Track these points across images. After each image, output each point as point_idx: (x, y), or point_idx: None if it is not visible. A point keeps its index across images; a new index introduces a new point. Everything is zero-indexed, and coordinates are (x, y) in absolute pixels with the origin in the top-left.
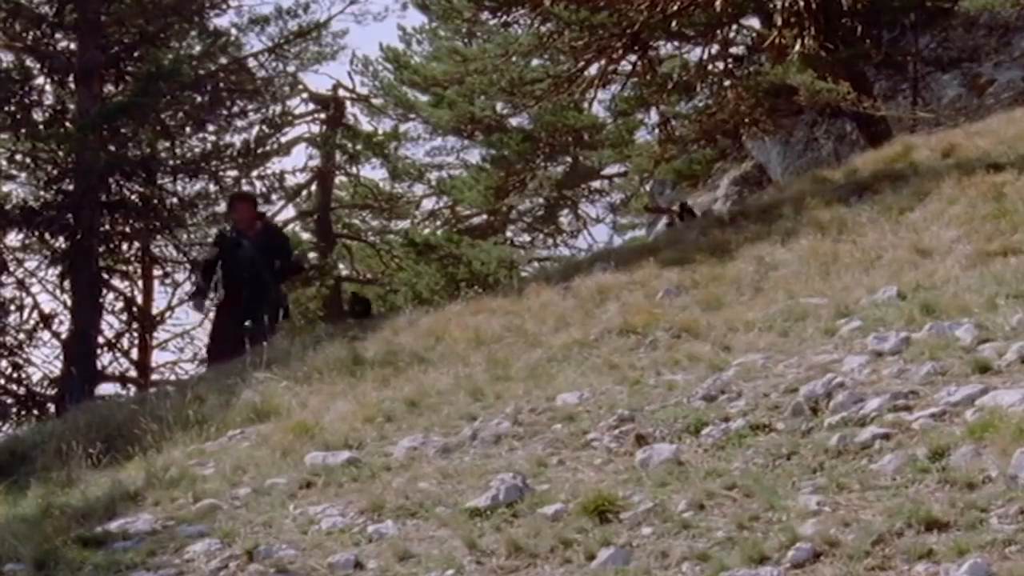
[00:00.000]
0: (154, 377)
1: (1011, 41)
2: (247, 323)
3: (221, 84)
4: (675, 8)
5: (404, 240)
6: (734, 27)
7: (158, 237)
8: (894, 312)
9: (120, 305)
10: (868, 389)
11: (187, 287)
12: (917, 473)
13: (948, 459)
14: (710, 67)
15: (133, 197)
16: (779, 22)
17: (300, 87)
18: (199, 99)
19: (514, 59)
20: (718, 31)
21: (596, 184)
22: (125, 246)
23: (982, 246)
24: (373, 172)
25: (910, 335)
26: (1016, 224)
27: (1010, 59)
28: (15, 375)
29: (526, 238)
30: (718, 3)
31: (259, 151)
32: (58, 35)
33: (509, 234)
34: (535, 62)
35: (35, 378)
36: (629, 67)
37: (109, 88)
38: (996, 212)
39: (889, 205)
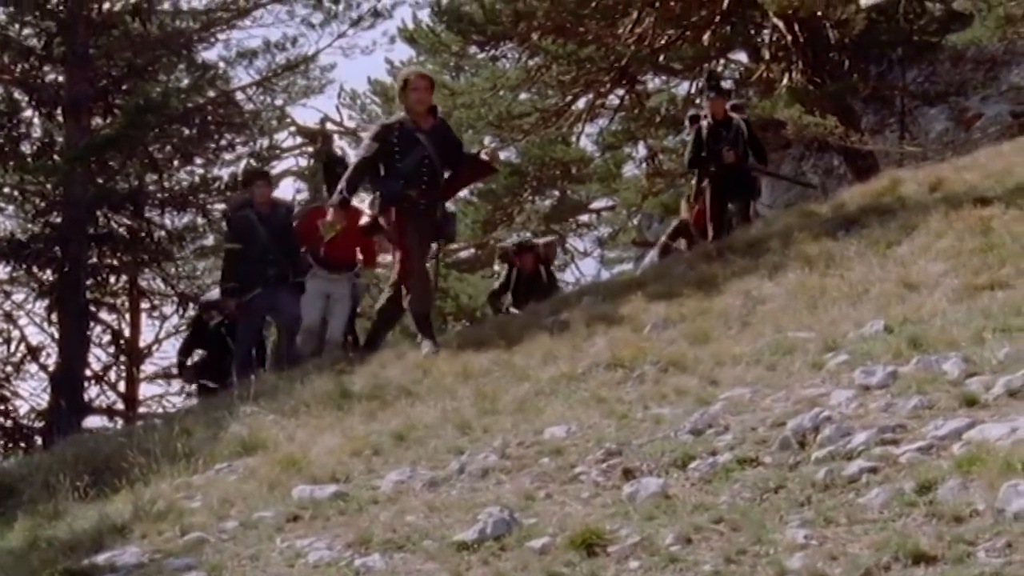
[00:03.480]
0: (141, 410)
1: (998, 75)
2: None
3: (209, 117)
4: (663, 42)
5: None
6: (722, 61)
7: (146, 270)
8: (881, 346)
9: (108, 338)
10: (855, 423)
11: (175, 320)
12: (904, 507)
13: (935, 493)
14: (697, 101)
15: (121, 230)
16: (767, 56)
17: (288, 120)
18: (187, 132)
19: (502, 93)
20: (706, 65)
21: (584, 218)
22: (113, 279)
23: (969, 280)
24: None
25: (897, 369)
26: (1004, 258)
27: (997, 93)
28: (2, 408)
29: None
30: (706, 37)
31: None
32: (47, 68)
33: (497, 268)
34: (523, 96)
35: (22, 411)
36: (617, 101)
37: (97, 121)
38: (983, 246)
39: (876, 239)
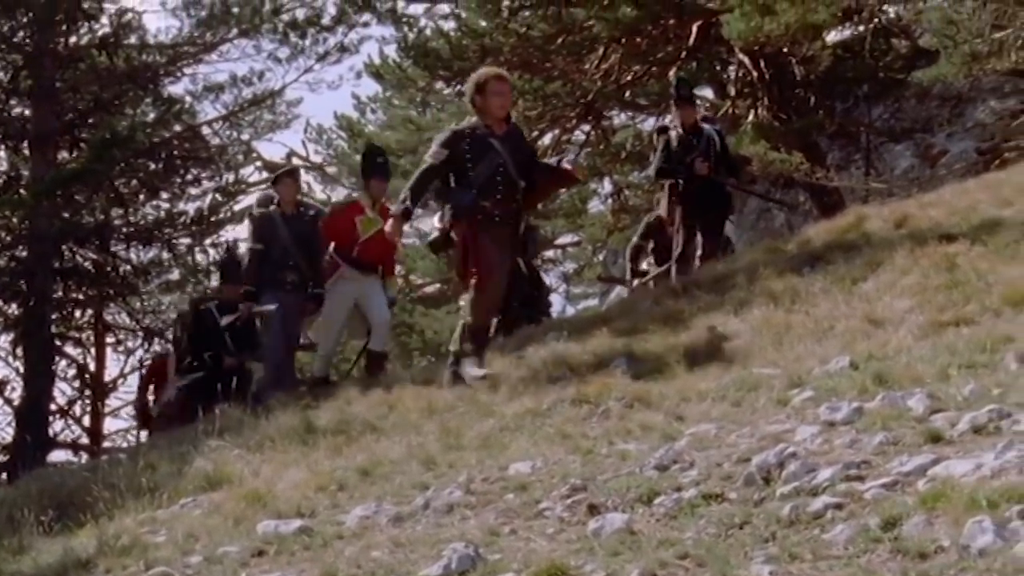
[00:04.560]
0: (106, 444)
1: (964, 112)
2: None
3: (175, 152)
4: (629, 78)
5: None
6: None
7: (111, 304)
8: (847, 382)
9: (73, 372)
10: (820, 459)
11: (140, 354)
12: (869, 543)
13: (900, 529)
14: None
15: (86, 264)
16: (732, 92)
17: (254, 155)
18: (153, 166)
19: None
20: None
21: (549, 253)
22: (78, 313)
23: (935, 316)
24: None
25: (862, 405)
26: (969, 295)
27: (963, 130)
28: None
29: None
30: (671, 74)
31: (212, 219)
32: (13, 101)
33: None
34: None
35: None
36: (583, 137)
37: (63, 155)
38: (949, 283)
39: (842, 275)
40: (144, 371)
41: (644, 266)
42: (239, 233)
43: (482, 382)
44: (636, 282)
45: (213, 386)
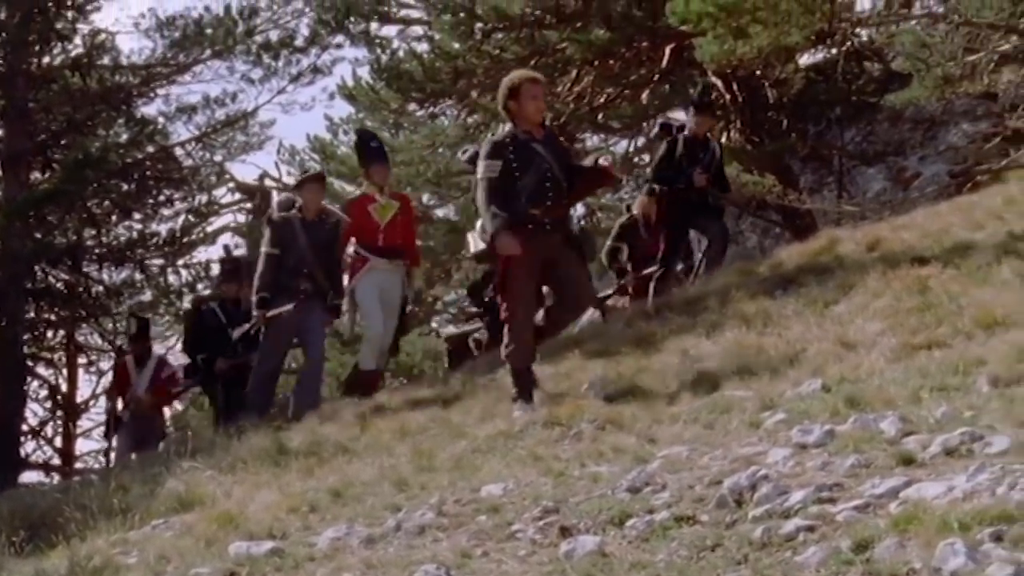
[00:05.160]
0: (78, 465)
1: (936, 135)
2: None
3: (148, 172)
4: (601, 101)
5: (329, 331)
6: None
7: (83, 325)
8: (819, 405)
9: (44, 393)
10: (792, 481)
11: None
12: (841, 565)
13: (872, 551)
14: (636, 159)
15: (59, 285)
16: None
17: (227, 176)
18: (126, 187)
19: (440, 150)
20: (644, 124)
21: None
22: (50, 334)
23: (907, 339)
24: None
25: (834, 428)
26: (941, 317)
27: (935, 153)
28: None
29: (452, 330)
30: (645, 96)
31: (185, 240)
32: None
33: (435, 325)
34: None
35: None
36: None
37: (36, 175)
38: (921, 305)
39: (814, 298)
40: (111, 376)
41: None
42: (211, 254)
43: (535, 423)
44: (612, 290)
45: (211, 391)
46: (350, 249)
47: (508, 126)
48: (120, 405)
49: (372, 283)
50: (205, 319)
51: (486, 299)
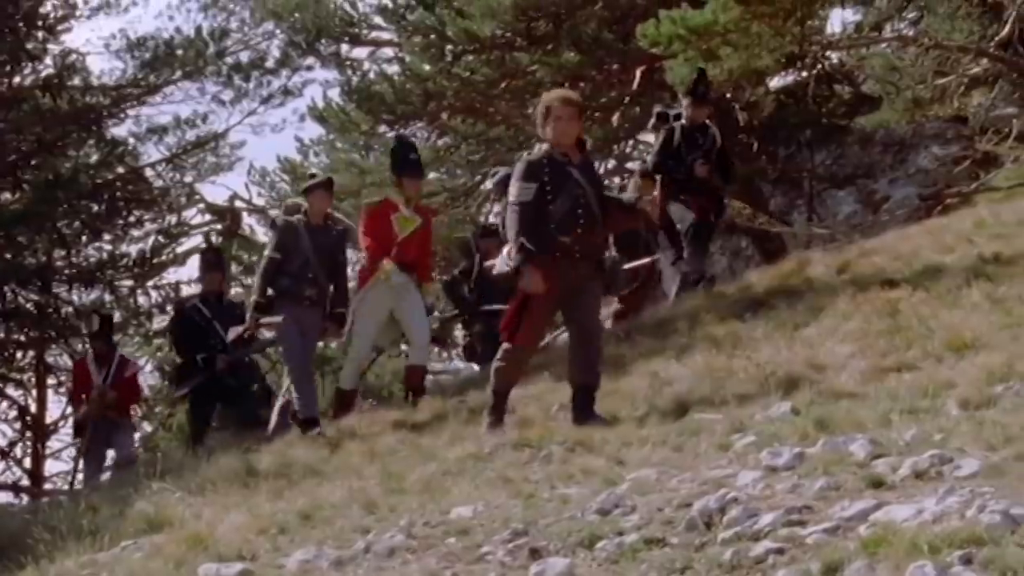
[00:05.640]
0: (47, 486)
1: (906, 158)
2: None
3: (118, 193)
4: None
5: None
6: (631, 142)
7: (53, 346)
8: (788, 427)
9: (14, 414)
10: (762, 504)
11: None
12: None
13: (842, 574)
14: (608, 182)
15: (28, 305)
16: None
17: (197, 197)
18: (96, 208)
19: None
20: (615, 146)
21: None
22: (19, 355)
23: (876, 362)
24: None
25: (804, 450)
26: (910, 340)
27: (905, 176)
28: None
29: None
30: (615, 118)
31: (154, 261)
32: None
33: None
34: (432, 175)
35: None
36: None
37: (6, 196)
38: (890, 328)
39: (784, 321)
40: (72, 380)
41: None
42: (180, 275)
43: (505, 444)
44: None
45: (213, 391)
46: (363, 251)
47: (544, 146)
48: (82, 408)
49: (377, 298)
50: (190, 317)
51: (463, 297)
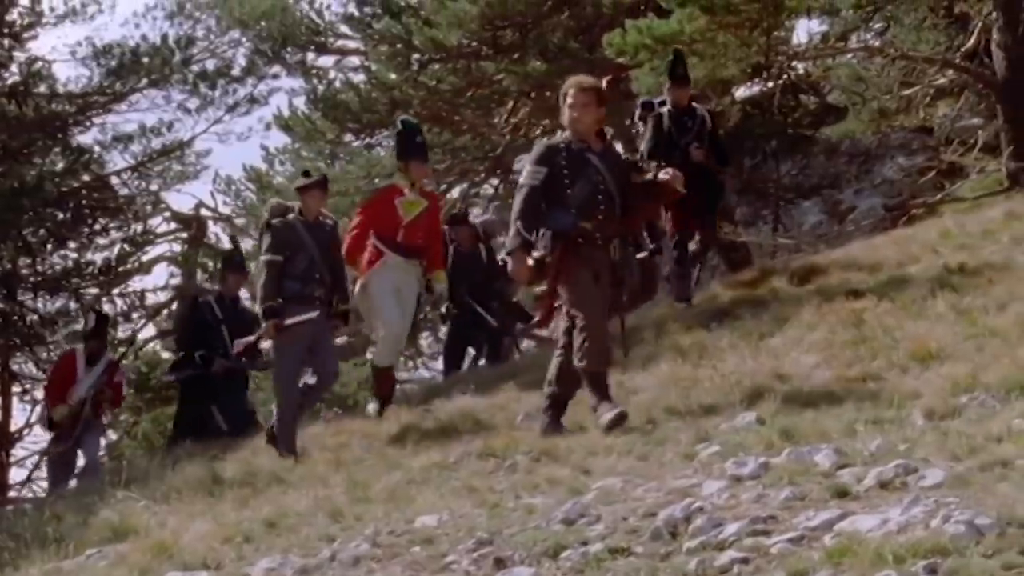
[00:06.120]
0: (11, 494)
1: (872, 168)
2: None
3: (83, 201)
4: (538, 132)
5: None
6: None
7: (17, 354)
8: (753, 437)
9: None
10: (727, 514)
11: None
12: None
13: None
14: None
15: None
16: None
17: (162, 206)
18: (61, 216)
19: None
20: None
21: None
22: None
23: (841, 372)
24: None
25: (769, 460)
26: (875, 351)
27: (871, 186)
28: None
29: None
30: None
31: (120, 269)
32: None
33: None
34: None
35: None
36: (491, 191)
37: None
38: (856, 339)
39: (749, 330)
40: (52, 370)
41: None
42: (146, 283)
43: (620, 425)
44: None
45: (203, 389)
46: (371, 239)
47: (566, 133)
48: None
49: (386, 278)
50: (201, 312)
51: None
